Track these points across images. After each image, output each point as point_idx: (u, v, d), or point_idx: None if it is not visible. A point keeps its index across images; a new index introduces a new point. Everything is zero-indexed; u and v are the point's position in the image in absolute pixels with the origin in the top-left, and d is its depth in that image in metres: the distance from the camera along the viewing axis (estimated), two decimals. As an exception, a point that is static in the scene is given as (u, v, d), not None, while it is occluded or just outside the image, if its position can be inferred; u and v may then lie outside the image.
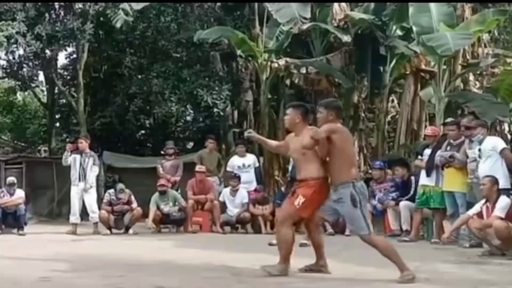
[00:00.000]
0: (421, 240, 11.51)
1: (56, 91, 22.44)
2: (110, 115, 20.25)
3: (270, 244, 9.31)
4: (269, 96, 18.23)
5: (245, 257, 8.88)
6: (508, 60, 17.33)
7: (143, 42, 19.95)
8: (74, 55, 20.61)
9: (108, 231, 13.25)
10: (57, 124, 23.67)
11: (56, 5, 18.45)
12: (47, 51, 18.54)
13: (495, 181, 9.40)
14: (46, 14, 18.03)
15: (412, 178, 12.38)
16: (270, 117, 18.09)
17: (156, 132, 22.41)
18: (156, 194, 13.67)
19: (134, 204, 13.52)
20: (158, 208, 13.53)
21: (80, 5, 18.30)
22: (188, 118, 22.52)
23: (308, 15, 16.40)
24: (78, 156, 13.25)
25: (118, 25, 16.51)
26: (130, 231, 13.34)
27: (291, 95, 19.45)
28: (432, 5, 15.22)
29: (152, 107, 19.34)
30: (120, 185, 13.86)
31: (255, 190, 14.28)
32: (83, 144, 13.40)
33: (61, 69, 22.11)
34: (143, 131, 23.10)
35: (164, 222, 13.82)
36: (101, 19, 18.59)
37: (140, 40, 19.97)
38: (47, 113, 24.11)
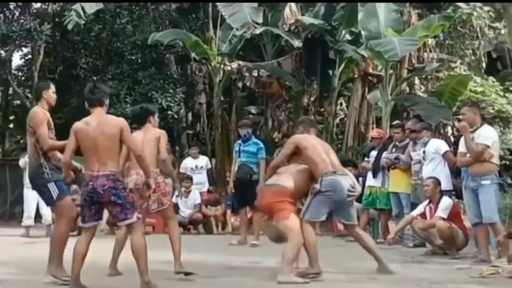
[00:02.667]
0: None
1: (10, 92, 22.06)
2: (66, 116, 19.90)
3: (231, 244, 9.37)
4: (222, 98, 18.22)
5: (197, 257, 8.86)
6: (453, 65, 17.66)
7: (98, 43, 19.69)
8: (29, 56, 20.28)
9: (61, 233, 12.99)
10: (11, 126, 23.26)
11: (11, 5, 18.11)
12: (2, 51, 18.21)
13: (438, 182, 9.53)
14: (1, 15, 17.69)
15: (360, 179, 12.46)
16: (223, 119, 18.07)
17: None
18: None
19: (88, 206, 13.29)
20: (111, 209, 13.34)
21: (37, 5, 17.99)
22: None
23: (260, 20, 16.42)
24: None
25: (69, 27, 16.27)
26: (84, 232, 13.13)
27: (243, 97, 19.50)
28: (381, 10, 15.36)
29: (107, 109, 19.10)
30: (74, 187, 13.61)
31: (208, 191, 14.25)
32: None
33: (15, 70, 21.74)
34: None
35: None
36: (57, 19, 18.33)
37: (96, 41, 19.71)
38: (1, 114, 23.67)
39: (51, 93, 6.86)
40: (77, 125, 6.11)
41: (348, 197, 6.96)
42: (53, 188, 6.56)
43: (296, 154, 7.20)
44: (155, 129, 7.26)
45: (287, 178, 6.95)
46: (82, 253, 6.00)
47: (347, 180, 6.97)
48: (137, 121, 7.25)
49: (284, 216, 6.75)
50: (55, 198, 6.58)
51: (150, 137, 6.99)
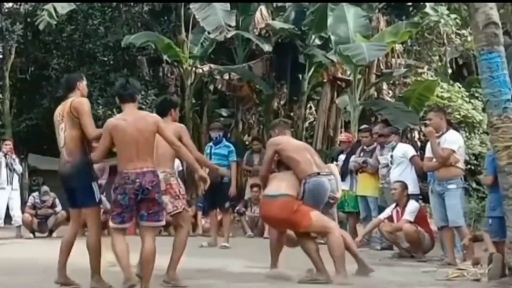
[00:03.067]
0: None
1: (-19, 92, 21.71)
2: (37, 117, 19.70)
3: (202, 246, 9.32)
4: (193, 101, 18.18)
5: (168, 259, 8.78)
6: (420, 70, 17.81)
7: (70, 44, 19.47)
8: (1, 56, 20.00)
9: (31, 235, 12.84)
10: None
11: (-18, 4, 17.88)
12: (-27, 51, 17.97)
13: (405, 186, 9.59)
14: (-29, 14, 17.47)
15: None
16: (194, 122, 18.02)
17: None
18: (81, 197, 13.34)
19: (58, 208, 13.14)
20: (82, 210, 13.20)
21: (9, 4, 17.77)
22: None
23: (233, 23, 16.37)
24: (3, 159, 12.81)
25: (41, 27, 16.08)
26: (54, 234, 12.99)
27: (214, 100, 19.45)
28: (350, 16, 15.38)
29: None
30: (45, 188, 13.48)
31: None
32: (9, 146, 12.99)
33: (-14, 70, 21.40)
34: (69, 133, 22.58)
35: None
36: (28, 19, 18.13)
37: (68, 42, 19.50)
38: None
39: (84, 85, 6.49)
40: (112, 122, 5.93)
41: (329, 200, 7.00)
42: (96, 188, 6.20)
43: (281, 162, 7.14)
44: (174, 123, 6.87)
45: (287, 185, 6.90)
46: (127, 255, 5.75)
47: (330, 182, 6.97)
48: (159, 112, 6.71)
49: (308, 221, 6.72)
50: (97, 199, 6.20)
51: (171, 129, 6.47)
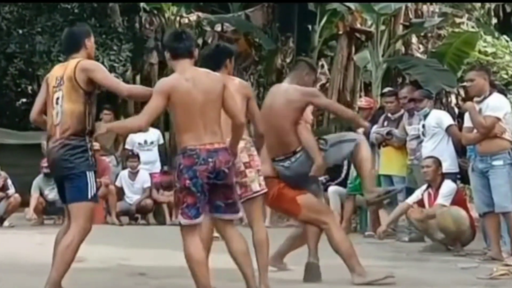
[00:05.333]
0: (354, 233, 11.60)
1: None
2: (-15, 77, 19.69)
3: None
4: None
5: (147, 253, 8.82)
6: (457, 20, 17.67)
7: (25, -12, 19.39)
8: None
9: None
10: None
11: None
12: None
13: (439, 163, 9.56)
14: None
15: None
16: (179, 83, 17.94)
17: (40, 100, 21.86)
18: (40, 177, 13.43)
19: (11, 190, 13.25)
20: (41, 194, 13.31)
21: None
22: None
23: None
24: None
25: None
26: (6, 223, 13.11)
27: (204, 56, 19.31)
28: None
29: (35, 70, 18.86)
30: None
31: (161, 172, 14.15)
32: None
33: None
34: (24, 99, 22.50)
35: (49, 211, 13.56)
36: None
37: (22, -13, 19.41)
38: None
39: (93, 42, 6.18)
40: (170, 81, 5.55)
41: None
42: (91, 179, 5.86)
43: None
44: (235, 80, 6.27)
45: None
46: (204, 259, 5.46)
47: None
48: (209, 65, 6.02)
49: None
50: (90, 194, 5.84)
51: (233, 90, 5.86)
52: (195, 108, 5.38)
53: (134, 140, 14.13)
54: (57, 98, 5.88)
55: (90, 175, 5.83)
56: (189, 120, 5.40)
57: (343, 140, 6.85)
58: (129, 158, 13.75)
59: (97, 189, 6.09)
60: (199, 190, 5.28)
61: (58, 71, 6.00)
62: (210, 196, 5.39)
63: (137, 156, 13.69)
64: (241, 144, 5.85)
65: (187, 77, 5.44)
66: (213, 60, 6.25)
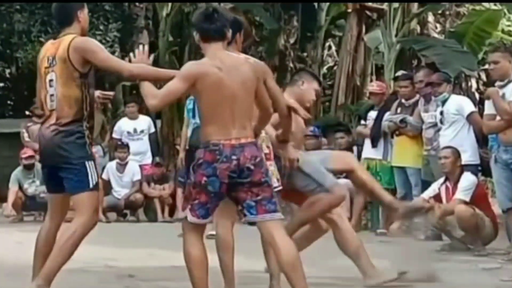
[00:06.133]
0: (364, 231, 11.61)
1: None
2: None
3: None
4: (170, 38, 18.07)
5: (137, 253, 8.81)
6: (478, -4, 17.64)
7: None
8: None
9: None
10: None
11: None
12: None
13: (458, 153, 9.54)
14: None
15: (354, 148, 12.42)
16: (172, 66, 17.87)
17: (19, 85, 21.92)
18: (19, 169, 13.49)
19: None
20: (20, 188, 13.35)
21: None
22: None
23: None
24: None
25: None
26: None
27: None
28: None
29: (14, 51, 18.87)
30: None
31: (152, 164, 14.15)
32: None
33: None
34: (1, 84, 22.60)
35: (29, 207, 13.63)
36: None
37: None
38: None
39: (86, 15, 6.08)
40: (199, 66, 5.38)
41: None
42: (91, 168, 5.78)
43: None
44: (249, 58, 5.98)
45: None
46: (203, 261, 5.32)
47: None
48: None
49: None
50: (92, 183, 5.77)
51: (249, 71, 5.54)
52: (224, 99, 5.24)
53: (122, 128, 14.13)
54: (50, 80, 5.79)
55: (89, 164, 5.75)
56: (216, 112, 5.27)
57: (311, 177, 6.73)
58: (117, 148, 13.75)
59: (99, 176, 6.01)
60: (215, 191, 5.20)
61: (50, 50, 5.88)
62: (238, 197, 5.27)
63: (126, 146, 13.67)
64: (262, 133, 5.82)
65: (219, 64, 5.27)
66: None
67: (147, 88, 5.44)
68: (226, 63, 5.27)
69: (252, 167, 5.18)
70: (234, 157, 5.14)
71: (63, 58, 5.71)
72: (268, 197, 5.22)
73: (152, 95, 5.40)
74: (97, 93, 6.16)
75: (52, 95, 5.77)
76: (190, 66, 5.46)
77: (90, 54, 5.70)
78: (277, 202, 5.29)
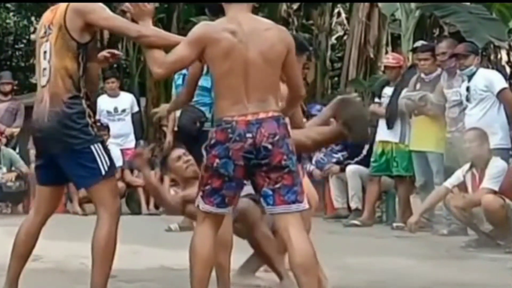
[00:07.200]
0: (378, 224, 11.70)
1: None
2: None
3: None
4: (156, 4, 17.98)
5: (118, 250, 8.75)
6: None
7: None
8: None
9: None
10: None
11: None
12: None
13: (486, 136, 9.52)
14: None
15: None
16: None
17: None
18: (-19, 155, 13.49)
19: None
20: (-17, 176, 13.35)
21: None
22: (34, 36, 22.15)
23: None
24: None
25: None
26: None
27: (188, 3, 19.33)
28: None
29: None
30: None
31: (136, 147, 14.15)
32: None
33: None
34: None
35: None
36: None
37: None
38: None
39: None
40: (208, 30, 5.25)
41: None
42: (99, 151, 5.61)
43: None
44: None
45: None
46: (208, 258, 5.24)
47: None
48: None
49: None
50: (103, 169, 5.61)
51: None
52: (238, 68, 5.12)
53: (101, 107, 14.06)
54: (45, 52, 5.67)
55: (96, 147, 5.57)
56: (230, 84, 5.16)
57: None
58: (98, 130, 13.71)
59: (111, 159, 5.89)
60: (229, 175, 5.09)
61: (47, 17, 5.77)
62: (255, 183, 5.18)
63: (106, 128, 13.60)
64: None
65: (235, 28, 5.16)
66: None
67: (155, 53, 5.31)
68: (244, 27, 5.15)
69: (269, 146, 5.03)
70: (249, 135, 5.02)
71: (59, 25, 5.58)
72: (289, 185, 5.07)
73: (159, 62, 5.27)
74: (104, 53, 6.08)
75: (44, 68, 5.65)
76: (198, 29, 5.28)
77: (91, 14, 5.55)
78: (300, 191, 5.12)
